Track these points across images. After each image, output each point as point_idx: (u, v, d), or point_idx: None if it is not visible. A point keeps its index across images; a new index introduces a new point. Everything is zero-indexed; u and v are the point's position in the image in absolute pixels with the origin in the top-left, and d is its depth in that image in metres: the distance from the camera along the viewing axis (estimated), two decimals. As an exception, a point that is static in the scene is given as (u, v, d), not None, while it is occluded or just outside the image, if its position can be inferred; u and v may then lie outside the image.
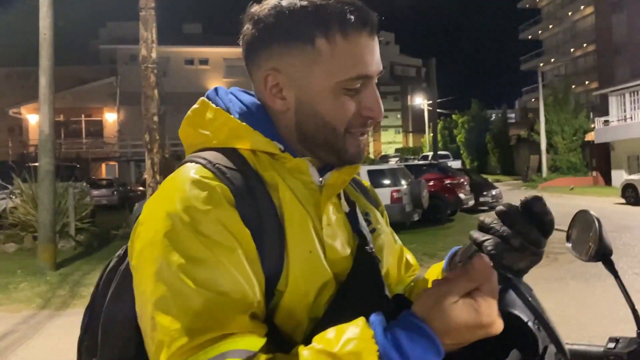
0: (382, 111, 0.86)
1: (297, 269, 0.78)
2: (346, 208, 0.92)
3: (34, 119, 30.11)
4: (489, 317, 0.67)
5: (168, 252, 0.72)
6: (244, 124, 0.85)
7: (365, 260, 0.87)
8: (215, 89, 0.92)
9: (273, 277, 0.77)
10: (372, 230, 0.96)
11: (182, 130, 0.91)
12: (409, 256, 1.10)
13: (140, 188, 20.75)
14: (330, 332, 0.67)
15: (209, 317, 0.68)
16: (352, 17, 0.81)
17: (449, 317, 0.65)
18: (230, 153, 0.84)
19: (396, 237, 1.07)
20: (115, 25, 40.83)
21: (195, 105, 0.90)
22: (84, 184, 15.80)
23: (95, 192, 18.89)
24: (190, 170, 0.79)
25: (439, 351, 0.65)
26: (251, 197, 0.79)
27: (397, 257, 1.05)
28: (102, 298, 0.89)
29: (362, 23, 0.82)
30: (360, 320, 0.67)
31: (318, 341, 0.67)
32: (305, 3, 0.82)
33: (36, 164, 9.90)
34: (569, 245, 1.19)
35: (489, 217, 0.86)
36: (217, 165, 0.80)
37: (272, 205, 0.80)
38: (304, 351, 0.66)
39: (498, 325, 0.68)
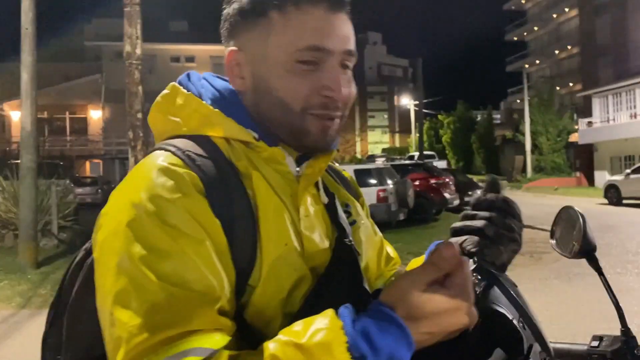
0: (345, 92, 0.81)
1: (271, 262, 0.75)
2: (325, 199, 0.89)
3: (17, 115, 29.71)
4: (461, 302, 0.63)
5: (130, 243, 0.68)
6: (216, 110, 0.81)
7: (343, 253, 0.84)
8: (188, 74, 0.88)
9: (245, 271, 0.73)
10: (352, 222, 0.92)
11: (151, 116, 0.87)
12: (390, 249, 1.07)
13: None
14: (298, 325, 0.64)
15: (171, 313, 0.64)
16: None
17: (418, 303, 0.62)
18: (202, 140, 0.80)
19: (377, 230, 1.04)
20: (101, 22, 40.52)
21: (165, 91, 0.86)
22: (67, 181, 15.58)
23: (79, 190, 18.64)
24: (158, 158, 0.75)
25: (409, 340, 0.61)
26: (223, 186, 0.75)
27: (377, 250, 1.01)
28: (68, 293, 0.85)
29: None
30: (329, 311, 0.64)
31: (285, 333, 0.64)
32: None
33: (18, 161, 9.75)
34: (553, 242, 1.18)
35: (458, 222, 0.88)
36: (186, 152, 0.76)
37: (246, 195, 0.76)
38: (269, 344, 0.63)
39: (472, 312, 0.64)
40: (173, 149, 0.76)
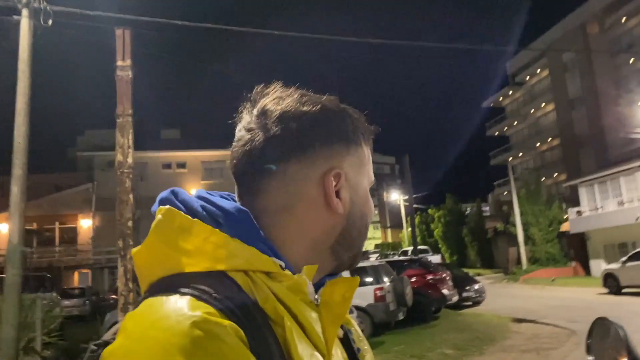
0: None
1: None
2: (341, 332, 0.78)
3: (5, 228, 29.50)
4: None
5: None
6: (235, 238, 0.66)
7: None
8: (173, 192, 0.71)
9: None
10: (357, 350, 0.82)
11: (147, 249, 0.68)
12: None
13: (114, 296, 20.00)
14: None
15: None
16: (371, 126, 0.85)
17: None
18: (218, 278, 0.64)
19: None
20: (93, 132, 41.50)
21: (158, 216, 0.68)
22: (54, 294, 15.13)
23: (66, 302, 18.16)
24: (182, 307, 0.58)
25: None
26: (259, 335, 0.61)
27: None
28: None
29: (372, 131, 0.85)
30: None
31: None
32: (343, 106, 0.81)
33: (3, 275, 9.48)
34: (591, 358, 1.09)
35: None
36: (214, 295, 0.60)
37: (279, 346, 0.62)
38: None
39: None
40: (196, 293, 0.60)
